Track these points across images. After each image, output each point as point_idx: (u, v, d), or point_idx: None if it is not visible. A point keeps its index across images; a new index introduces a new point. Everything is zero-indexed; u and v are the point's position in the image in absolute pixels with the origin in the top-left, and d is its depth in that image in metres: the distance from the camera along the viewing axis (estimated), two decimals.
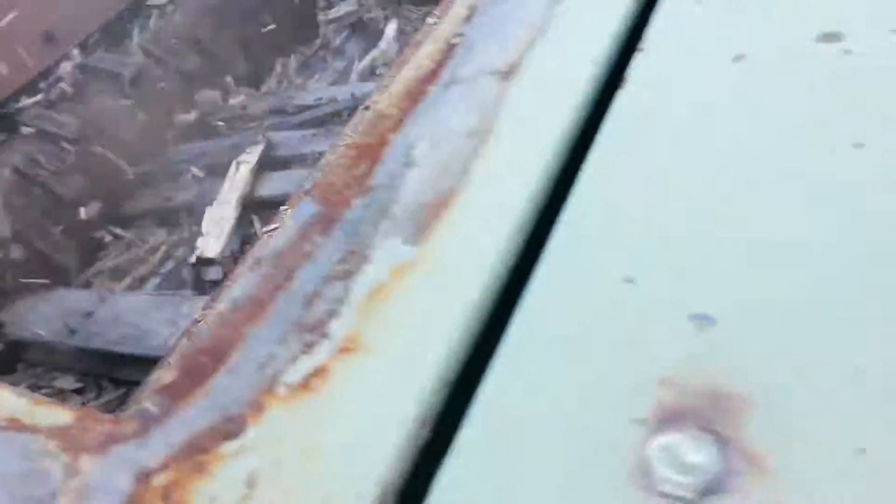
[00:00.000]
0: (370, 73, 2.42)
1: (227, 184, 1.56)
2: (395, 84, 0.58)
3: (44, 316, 1.77)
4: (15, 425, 0.41)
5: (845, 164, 0.41)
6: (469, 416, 0.36)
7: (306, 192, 0.51)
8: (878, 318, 0.35)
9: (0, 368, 1.43)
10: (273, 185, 2.15)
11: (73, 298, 1.83)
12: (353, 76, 2.49)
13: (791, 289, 0.37)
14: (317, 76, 2.49)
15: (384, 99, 0.57)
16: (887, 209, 0.39)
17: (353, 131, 0.55)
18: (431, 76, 0.58)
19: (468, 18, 0.62)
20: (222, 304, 0.45)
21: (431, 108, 0.55)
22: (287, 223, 0.50)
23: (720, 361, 0.35)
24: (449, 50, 0.60)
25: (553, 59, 0.55)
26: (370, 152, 0.53)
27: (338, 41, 2.67)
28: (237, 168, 1.60)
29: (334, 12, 2.67)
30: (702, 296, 0.37)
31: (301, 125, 2.33)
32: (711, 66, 0.50)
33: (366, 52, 2.61)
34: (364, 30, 2.72)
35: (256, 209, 1.74)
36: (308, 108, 2.50)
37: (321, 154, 2.17)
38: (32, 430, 0.41)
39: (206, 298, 1.53)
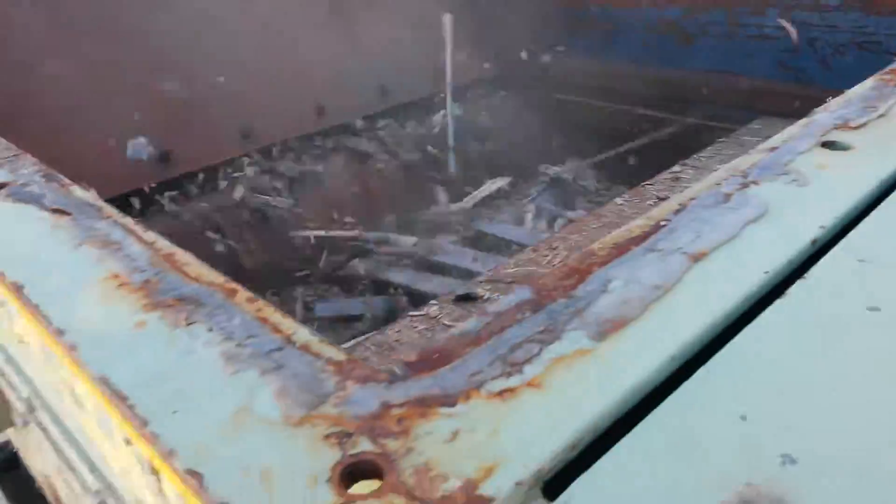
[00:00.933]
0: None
1: None
2: (609, 237, 0.79)
3: None
4: (306, 350, 0.63)
5: None
6: (604, 458, 0.52)
7: (520, 283, 0.72)
8: None
9: None
10: (429, 284, 2.58)
11: None
12: (529, 224, 2.88)
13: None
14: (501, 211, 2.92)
15: (598, 243, 0.77)
16: None
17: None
18: (637, 240, 0.77)
19: (678, 211, 0.82)
20: (456, 330, 0.65)
21: (631, 260, 0.74)
22: (505, 297, 0.70)
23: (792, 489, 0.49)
24: (656, 227, 0.80)
25: (734, 260, 0.73)
26: (578, 273, 0.73)
27: (533, 191, 3.05)
28: None
29: (548, 168, 3.06)
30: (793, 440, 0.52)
31: (465, 245, 2.77)
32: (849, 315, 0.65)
33: (566, 207, 2.96)
34: (558, 188, 3.09)
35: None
36: (483, 235, 2.93)
37: (469, 272, 2.64)
38: (317, 356, 0.62)
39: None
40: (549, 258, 2.08)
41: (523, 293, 0.70)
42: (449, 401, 0.56)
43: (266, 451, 0.52)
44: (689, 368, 0.61)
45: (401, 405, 0.56)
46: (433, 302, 1.97)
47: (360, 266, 2.69)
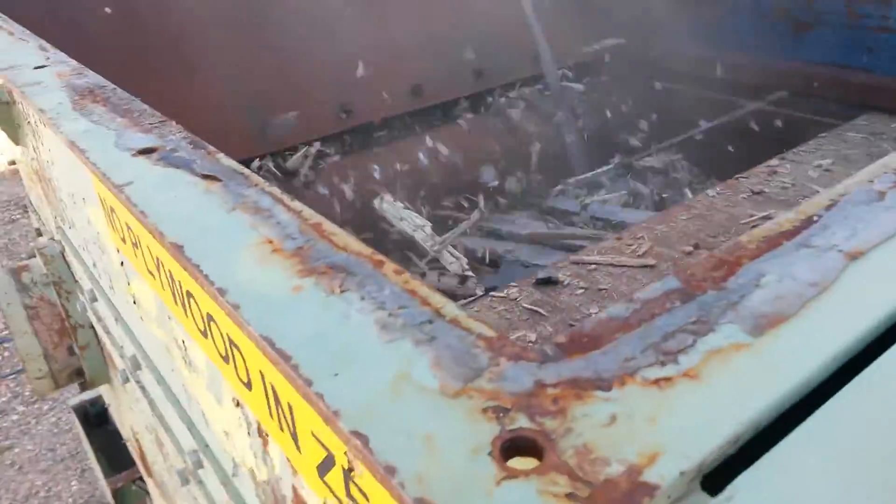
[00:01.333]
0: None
1: None
2: (758, 230, 0.76)
3: None
4: (456, 324, 0.64)
5: None
6: (768, 455, 0.51)
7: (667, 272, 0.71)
8: None
9: None
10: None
11: None
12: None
13: None
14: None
15: (746, 235, 0.75)
16: None
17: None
18: (788, 235, 0.75)
19: (829, 207, 0.79)
20: (604, 314, 0.65)
21: (783, 255, 0.71)
22: (653, 285, 0.69)
23: None
24: (808, 222, 0.77)
25: (893, 260, 0.69)
26: (728, 265, 0.71)
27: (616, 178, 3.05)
28: None
29: (640, 157, 3.05)
30: None
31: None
32: None
33: (657, 197, 2.91)
34: (650, 177, 3.07)
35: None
36: (557, 210, 2.98)
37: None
38: (468, 330, 0.63)
39: None
40: (633, 247, 2.04)
41: (671, 282, 0.69)
42: (604, 385, 0.56)
43: (427, 418, 0.53)
44: (852, 369, 0.59)
45: (555, 385, 0.56)
46: (513, 283, 1.96)
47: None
